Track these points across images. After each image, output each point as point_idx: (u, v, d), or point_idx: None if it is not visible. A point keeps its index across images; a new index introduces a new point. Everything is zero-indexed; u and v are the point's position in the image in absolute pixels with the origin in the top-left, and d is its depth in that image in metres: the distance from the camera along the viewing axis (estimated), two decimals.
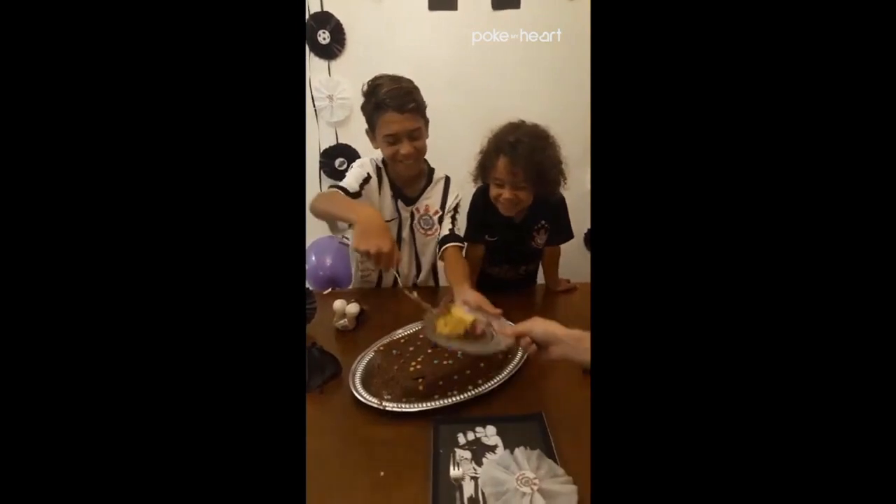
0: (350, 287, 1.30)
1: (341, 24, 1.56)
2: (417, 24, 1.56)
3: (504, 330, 0.75)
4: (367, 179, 1.08)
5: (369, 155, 1.17)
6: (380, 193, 1.12)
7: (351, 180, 1.07)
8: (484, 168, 1.05)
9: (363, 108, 1.05)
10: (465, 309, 0.81)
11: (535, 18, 1.56)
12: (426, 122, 1.08)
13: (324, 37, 1.56)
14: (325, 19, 1.55)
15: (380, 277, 1.25)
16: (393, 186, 1.14)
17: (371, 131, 1.06)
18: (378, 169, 1.13)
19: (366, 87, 1.03)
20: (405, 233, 1.18)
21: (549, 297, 1.20)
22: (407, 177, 1.12)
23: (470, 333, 0.76)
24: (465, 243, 1.16)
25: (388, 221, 1.13)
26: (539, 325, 0.68)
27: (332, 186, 1.05)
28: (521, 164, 0.96)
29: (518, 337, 0.69)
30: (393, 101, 0.99)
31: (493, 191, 1.04)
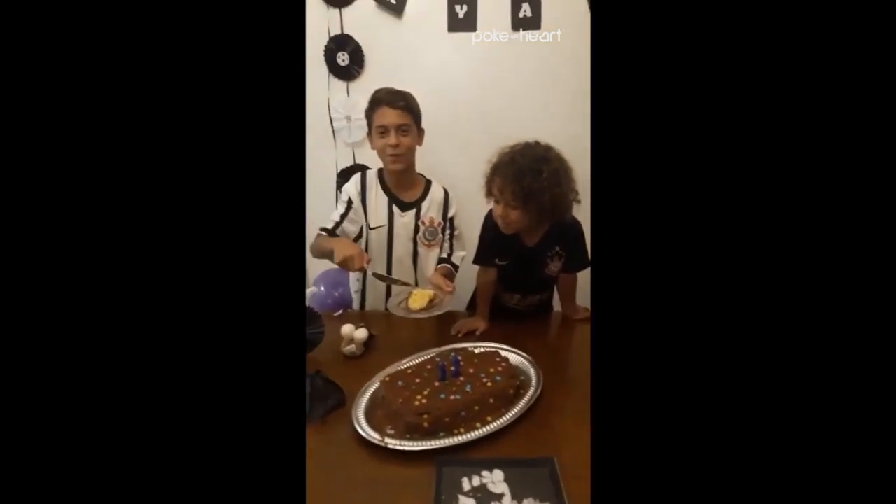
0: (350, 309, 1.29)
1: (360, 47, 1.57)
2: (437, 45, 1.57)
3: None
4: (348, 207, 1.21)
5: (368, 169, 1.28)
6: (366, 202, 1.22)
7: (331, 218, 1.21)
8: (488, 185, 1.06)
9: (366, 112, 1.19)
10: (428, 287, 1.09)
11: (552, 27, 1.54)
12: (419, 127, 1.20)
13: (343, 59, 1.58)
14: (344, 41, 1.57)
15: (363, 296, 1.32)
16: (387, 192, 1.23)
17: (368, 130, 1.21)
18: (364, 179, 1.23)
19: (370, 97, 1.19)
20: (405, 241, 1.24)
21: (565, 326, 1.14)
22: (398, 176, 1.21)
23: (431, 303, 1.02)
24: (457, 271, 1.25)
25: (375, 228, 1.22)
26: None
27: (320, 229, 1.20)
28: (510, 185, 0.98)
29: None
30: (386, 98, 1.15)
31: (493, 207, 1.06)
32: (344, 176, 1.68)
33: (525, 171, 0.96)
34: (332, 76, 1.60)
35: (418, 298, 1.03)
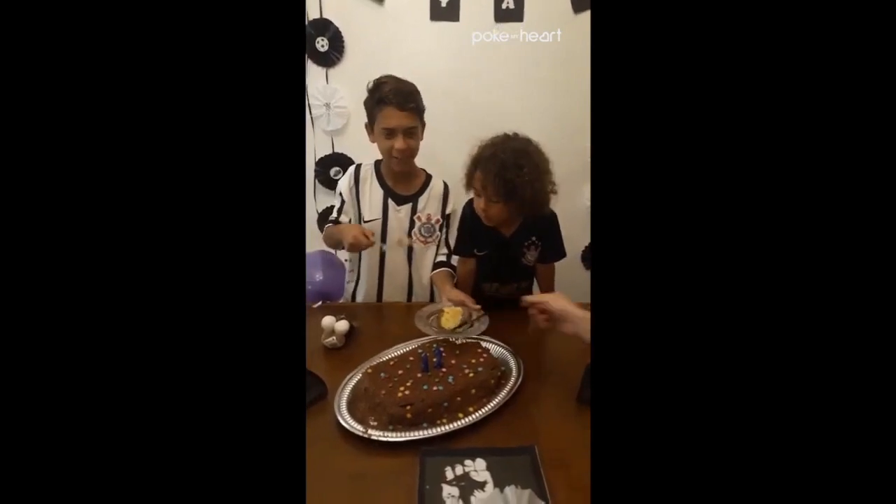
0: (341, 300, 1.27)
1: (340, 32, 1.53)
2: (418, 33, 1.54)
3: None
4: (341, 202, 1.20)
5: (363, 162, 1.25)
6: (359, 196, 1.19)
7: (333, 214, 1.22)
8: (468, 179, 1.07)
9: (366, 102, 1.11)
10: (451, 305, 1.00)
11: (535, 19, 1.54)
12: (423, 125, 1.15)
13: (322, 44, 1.54)
14: (323, 26, 1.53)
15: (354, 289, 1.28)
16: (383, 185, 1.19)
17: (370, 125, 1.12)
18: (358, 172, 1.20)
19: (371, 84, 1.11)
20: (400, 235, 1.20)
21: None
22: (398, 174, 1.17)
23: (465, 321, 0.96)
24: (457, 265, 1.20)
25: (370, 221, 1.19)
26: (555, 301, 0.79)
27: (328, 223, 1.22)
28: (491, 180, 0.98)
29: (535, 308, 0.82)
30: (395, 98, 1.06)
31: (474, 201, 1.07)
32: (322, 165, 1.65)
33: (507, 167, 0.96)
34: (310, 62, 1.56)
35: (450, 317, 0.96)
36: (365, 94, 1.14)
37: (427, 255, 1.24)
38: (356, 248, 1.07)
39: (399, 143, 1.08)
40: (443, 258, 1.22)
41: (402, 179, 1.19)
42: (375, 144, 1.15)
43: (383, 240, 1.21)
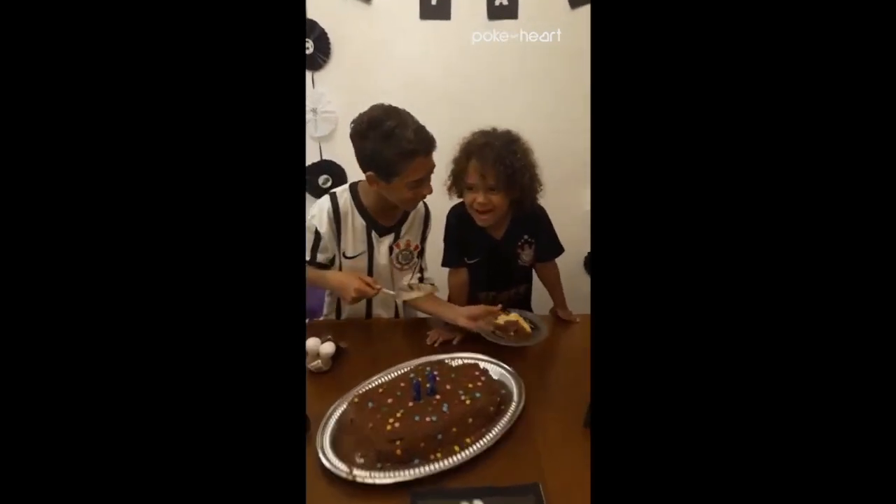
0: (322, 317, 1.19)
1: (326, 34, 1.47)
2: (407, 33, 1.48)
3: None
4: (316, 238, 1.03)
5: (354, 172, 1.07)
6: (340, 231, 1.04)
7: (308, 255, 1.05)
8: (457, 177, 1.01)
9: (379, 152, 0.90)
10: (470, 326, 0.95)
11: (534, 19, 1.48)
12: None
13: (307, 46, 1.47)
14: (309, 28, 1.46)
15: (368, 308, 1.16)
16: (366, 216, 1.04)
17: (387, 176, 0.92)
18: (336, 204, 1.03)
19: (378, 131, 0.90)
20: (380, 265, 1.08)
21: (549, 333, 1.09)
22: (381, 199, 1.01)
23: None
24: (433, 285, 1.12)
25: (354, 257, 1.05)
26: None
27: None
28: (491, 166, 0.94)
29: None
30: (422, 146, 0.91)
31: (468, 198, 1.01)
32: (310, 173, 1.58)
33: (504, 153, 0.94)
34: None
35: (523, 322, 0.97)
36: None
37: (404, 282, 1.12)
38: (358, 301, 0.98)
39: (427, 188, 0.96)
40: (415, 281, 1.11)
41: (387, 208, 1.04)
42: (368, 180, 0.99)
43: (370, 273, 1.08)
